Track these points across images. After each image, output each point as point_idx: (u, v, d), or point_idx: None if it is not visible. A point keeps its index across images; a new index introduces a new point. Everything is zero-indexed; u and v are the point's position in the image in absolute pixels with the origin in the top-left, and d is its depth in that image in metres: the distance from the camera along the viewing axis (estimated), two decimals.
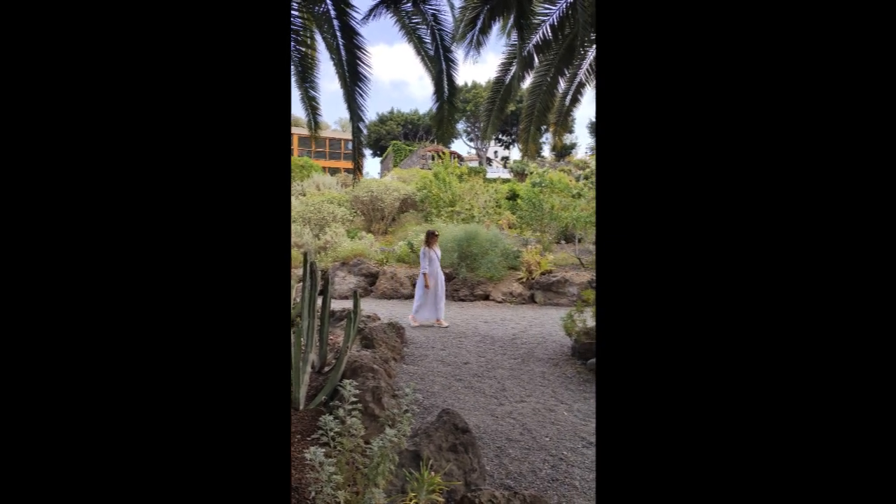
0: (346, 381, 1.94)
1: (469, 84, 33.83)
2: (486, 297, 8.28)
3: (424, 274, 5.91)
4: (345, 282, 9.06)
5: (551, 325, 5.97)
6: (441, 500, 1.74)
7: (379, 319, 5.31)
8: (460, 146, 38.08)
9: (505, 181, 18.35)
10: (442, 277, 6.11)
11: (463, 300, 8.31)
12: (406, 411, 1.90)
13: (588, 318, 4.69)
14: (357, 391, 2.42)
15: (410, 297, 8.70)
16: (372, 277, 9.19)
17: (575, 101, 5.64)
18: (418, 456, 1.97)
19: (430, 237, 6.14)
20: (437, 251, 6.17)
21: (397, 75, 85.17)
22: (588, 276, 8.20)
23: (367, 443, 2.08)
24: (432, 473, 1.76)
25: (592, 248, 9.86)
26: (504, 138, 36.46)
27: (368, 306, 7.35)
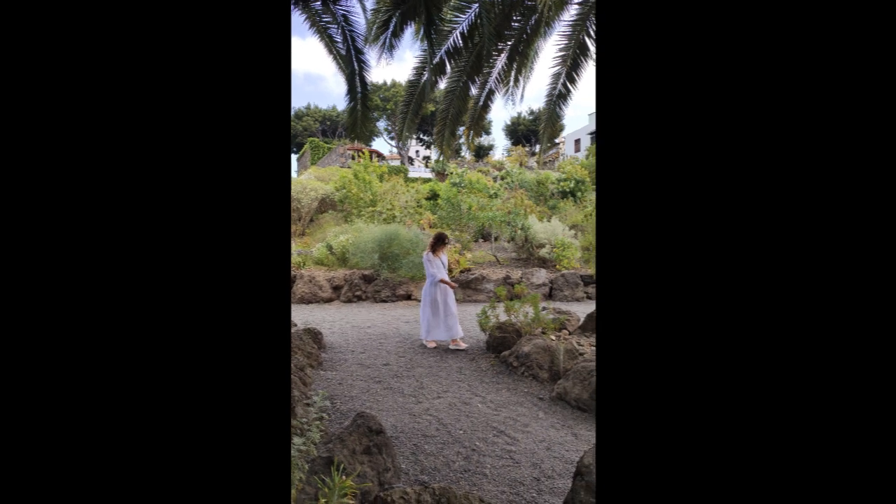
0: None
1: (389, 83, 33.60)
2: (409, 297, 8.35)
3: (441, 280, 4.82)
4: None
5: (469, 320, 6.20)
6: (353, 502, 1.77)
7: (295, 325, 5.14)
8: (382, 145, 37.71)
9: (426, 181, 18.54)
10: (451, 291, 4.98)
11: (385, 301, 8.30)
12: (318, 419, 1.90)
13: (501, 314, 4.96)
14: None
15: (329, 300, 8.48)
16: None
17: (486, 106, 5.90)
18: (331, 461, 1.98)
19: (438, 242, 4.95)
20: (443, 258, 4.99)
21: (312, 69, 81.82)
22: (503, 272, 8.62)
23: None
24: (344, 477, 1.79)
25: (507, 245, 10.37)
26: (425, 138, 36.75)
27: None
